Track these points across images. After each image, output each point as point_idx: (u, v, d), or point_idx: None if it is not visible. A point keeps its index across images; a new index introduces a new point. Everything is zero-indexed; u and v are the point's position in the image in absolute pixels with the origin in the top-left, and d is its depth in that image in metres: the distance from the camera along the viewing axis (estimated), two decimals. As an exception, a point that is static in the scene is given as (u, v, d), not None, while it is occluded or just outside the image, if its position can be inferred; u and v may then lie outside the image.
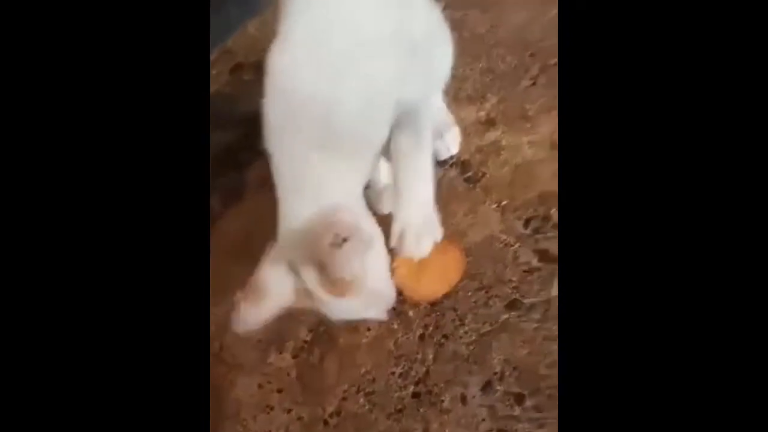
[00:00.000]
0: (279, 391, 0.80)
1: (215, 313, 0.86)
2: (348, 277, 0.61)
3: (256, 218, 1.00)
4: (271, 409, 0.79)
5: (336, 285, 0.62)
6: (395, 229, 0.68)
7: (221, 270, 1.00)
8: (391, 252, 0.68)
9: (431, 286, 0.73)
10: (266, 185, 1.13)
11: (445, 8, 1.10)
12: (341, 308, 0.64)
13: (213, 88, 1.30)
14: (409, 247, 0.67)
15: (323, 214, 0.63)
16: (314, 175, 0.64)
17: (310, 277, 0.63)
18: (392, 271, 0.69)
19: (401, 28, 0.69)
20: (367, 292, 0.63)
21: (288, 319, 0.84)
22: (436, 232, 0.69)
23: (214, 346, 0.89)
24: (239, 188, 1.09)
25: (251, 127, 1.19)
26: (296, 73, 0.63)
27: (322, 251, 0.60)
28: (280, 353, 0.83)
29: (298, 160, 0.65)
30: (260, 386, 0.81)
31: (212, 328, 0.87)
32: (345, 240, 0.60)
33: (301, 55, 0.63)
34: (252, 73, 1.27)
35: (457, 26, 1.03)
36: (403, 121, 0.69)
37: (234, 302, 0.65)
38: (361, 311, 0.65)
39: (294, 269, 0.65)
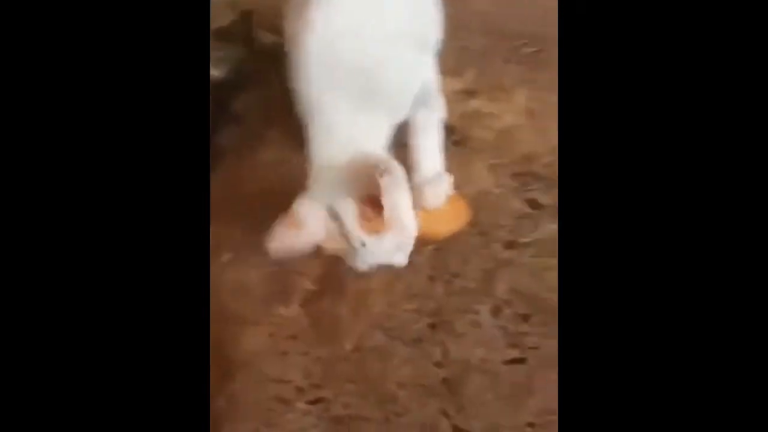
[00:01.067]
0: (293, 337, 0.84)
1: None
2: (388, 210, 0.68)
3: (232, 181, 1.03)
4: (285, 354, 0.83)
5: (375, 220, 0.68)
6: (414, 182, 0.80)
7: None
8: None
9: (447, 226, 0.82)
10: (239, 149, 1.15)
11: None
12: (374, 250, 0.72)
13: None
14: (429, 197, 0.78)
15: (365, 156, 0.71)
16: (349, 125, 0.74)
17: (349, 215, 0.69)
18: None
19: (421, 18, 0.82)
20: (399, 229, 0.70)
21: (286, 274, 0.89)
22: (450, 187, 0.81)
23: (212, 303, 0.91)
24: (214, 153, 1.10)
25: (219, 92, 1.21)
26: (343, 43, 0.73)
27: (368, 184, 0.68)
28: (286, 306, 0.87)
29: (336, 110, 0.74)
30: (271, 335, 0.85)
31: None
32: (385, 174, 0.68)
33: (348, 28, 0.73)
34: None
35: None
36: (420, 99, 0.81)
37: (271, 228, 0.71)
38: (391, 253, 0.73)
39: (332, 210, 0.71)
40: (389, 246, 0.71)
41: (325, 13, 0.73)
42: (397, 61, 0.77)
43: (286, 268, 0.88)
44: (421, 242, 0.83)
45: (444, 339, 0.78)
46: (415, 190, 0.80)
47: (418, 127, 0.83)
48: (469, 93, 1.03)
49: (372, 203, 0.68)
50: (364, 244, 0.71)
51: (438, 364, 0.76)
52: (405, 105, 0.79)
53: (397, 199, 0.70)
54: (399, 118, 0.79)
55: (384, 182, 0.67)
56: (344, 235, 0.71)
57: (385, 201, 0.67)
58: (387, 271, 0.83)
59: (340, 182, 0.71)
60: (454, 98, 1.02)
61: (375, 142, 0.75)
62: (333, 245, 0.73)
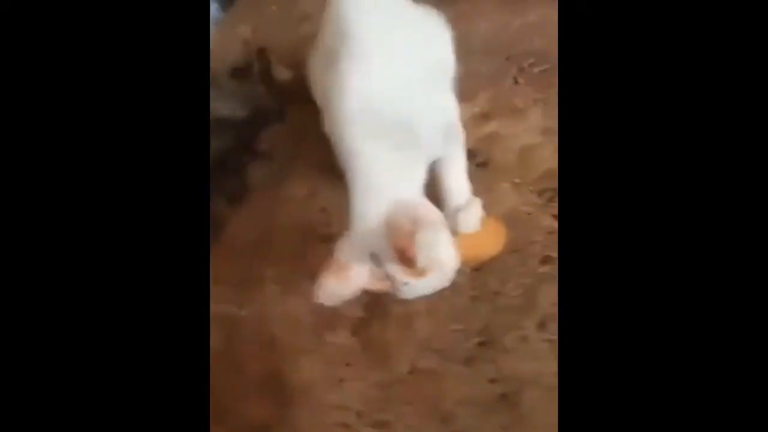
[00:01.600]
0: (347, 364, 0.88)
1: (251, 308, 0.93)
2: (427, 260, 0.72)
3: (266, 216, 1.07)
4: (342, 381, 0.88)
5: (417, 268, 0.73)
6: (448, 213, 0.85)
7: (242, 268, 1.05)
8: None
9: (488, 248, 0.87)
10: (268, 185, 1.19)
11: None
12: (419, 287, 0.76)
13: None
14: (464, 223, 0.83)
15: (400, 207, 0.75)
16: (388, 171, 0.78)
17: (392, 264, 0.74)
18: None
19: (440, 54, 0.87)
20: (439, 269, 0.75)
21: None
22: (480, 209, 0.85)
23: (263, 336, 0.95)
24: (244, 191, 1.14)
25: (243, 131, 1.25)
26: (381, 96, 0.77)
27: (404, 241, 0.72)
28: (337, 333, 0.91)
29: (376, 159, 0.78)
30: (326, 362, 0.89)
31: (256, 321, 0.94)
32: (421, 228, 0.73)
33: (383, 80, 0.78)
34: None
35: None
36: (446, 132, 0.86)
37: (318, 277, 0.74)
38: (436, 286, 0.77)
39: (374, 255, 0.75)
40: (432, 283, 0.76)
41: (359, 65, 0.78)
42: (428, 104, 0.82)
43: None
44: (464, 266, 0.88)
45: (494, 356, 0.83)
46: (450, 219, 0.85)
47: (444, 158, 0.88)
48: (485, 116, 1.08)
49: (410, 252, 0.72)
50: (407, 284, 0.75)
51: (492, 381, 0.81)
52: (439, 144, 0.84)
53: (434, 245, 0.74)
54: (434, 156, 0.84)
55: (421, 239, 0.72)
56: (387, 278, 0.75)
57: (424, 254, 0.71)
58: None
59: (380, 231, 0.75)
60: (471, 123, 1.07)
61: (412, 184, 0.79)
62: (377, 287, 0.77)
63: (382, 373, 0.86)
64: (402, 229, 0.73)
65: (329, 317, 0.92)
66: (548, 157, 0.99)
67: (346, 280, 0.75)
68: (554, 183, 0.96)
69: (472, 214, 0.87)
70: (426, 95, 0.82)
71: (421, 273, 0.73)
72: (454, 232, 0.82)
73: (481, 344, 0.84)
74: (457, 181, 0.90)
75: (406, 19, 0.87)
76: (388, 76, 0.78)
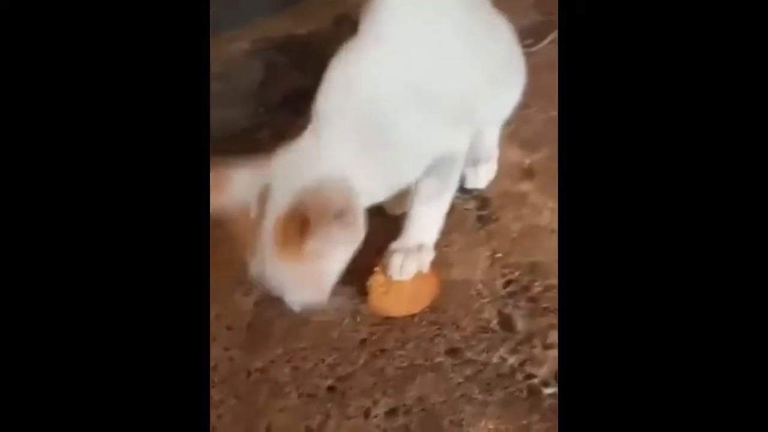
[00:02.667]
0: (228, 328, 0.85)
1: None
2: (312, 244, 0.63)
3: None
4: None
5: (291, 243, 0.63)
6: (391, 247, 0.75)
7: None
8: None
9: (395, 304, 0.76)
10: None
11: (534, 44, 1.08)
12: (272, 269, 0.66)
13: (312, 29, 1.34)
14: (394, 269, 0.73)
15: (345, 186, 0.65)
16: (350, 164, 0.67)
17: (274, 214, 0.64)
18: (369, 278, 0.75)
19: (461, 91, 0.73)
20: (305, 271, 0.65)
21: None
22: (424, 265, 0.74)
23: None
24: (289, 130, 1.13)
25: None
26: (360, 89, 0.68)
27: (320, 210, 0.62)
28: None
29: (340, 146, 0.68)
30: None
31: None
32: (340, 216, 0.63)
33: (369, 79, 0.68)
34: (352, 27, 1.30)
35: (547, 68, 1.00)
36: (435, 166, 0.74)
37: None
38: (285, 286, 0.67)
39: (264, 193, 0.66)
40: (285, 279, 0.66)
41: (348, 60, 0.70)
42: (411, 125, 0.69)
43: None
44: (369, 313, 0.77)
45: (332, 411, 0.72)
46: (386, 256, 0.75)
47: (421, 193, 0.76)
48: (526, 173, 0.91)
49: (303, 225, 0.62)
50: (263, 255, 0.65)
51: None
52: (411, 170, 0.73)
53: (330, 249, 0.65)
54: (401, 181, 0.73)
55: (335, 222, 0.62)
56: (254, 225, 0.66)
57: (317, 236, 0.62)
58: (334, 312, 0.80)
59: (301, 169, 0.65)
60: (508, 172, 0.91)
61: (369, 191, 0.69)
62: (235, 225, 0.67)
63: (250, 356, 0.81)
64: (329, 200, 0.63)
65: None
66: (546, 251, 0.80)
67: (221, 190, 0.66)
68: (530, 280, 0.78)
69: (409, 265, 0.75)
70: (413, 116, 0.69)
71: (288, 250, 0.63)
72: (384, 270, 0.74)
73: (330, 389, 0.74)
74: (420, 222, 0.78)
75: (461, 34, 0.74)
76: (375, 76, 0.69)
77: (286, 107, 1.21)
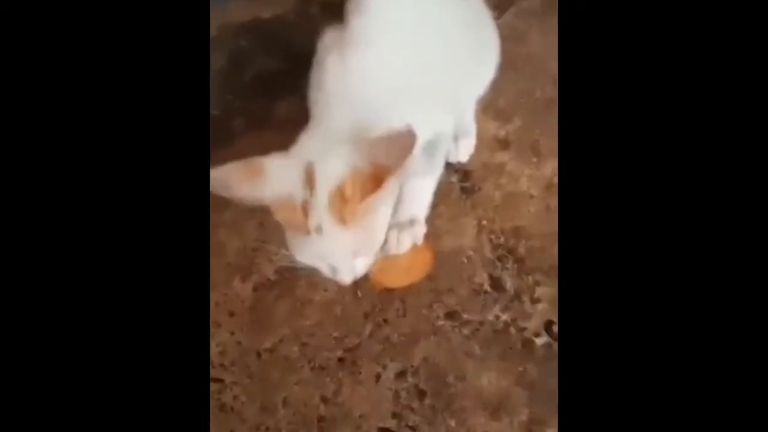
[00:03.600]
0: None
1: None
2: (368, 201, 0.63)
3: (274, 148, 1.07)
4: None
5: (350, 205, 0.63)
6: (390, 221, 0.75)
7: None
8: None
9: (393, 277, 0.80)
10: (293, 120, 1.19)
11: (503, 16, 1.12)
12: (325, 242, 0.65)
13: (278, 11, 1.34)
14: (390, 243, 0.76)
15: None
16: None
17: (328, 184, 0.64)
18: None
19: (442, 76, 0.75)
20: (364, 234, 0.66)
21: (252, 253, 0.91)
22: (418, 238, 0.78)
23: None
24: (266, 116, 1.15)
25: (299, 62, 1.24)
26: (365, 70, 0.69)
27: (398, 155, 0.61)
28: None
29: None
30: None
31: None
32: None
33: (370, 60, 0.70)
34: (318, 8, 1.31)
35: (518, 39, 1.05)
36: (425, 149, 0.75)
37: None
38: (343, 255, 0.67)
39: (310, 168, 0.64)
40: (342, 246, 0.65)
41: (358, 46, 0.71)
42: (397, 113, 0.69)
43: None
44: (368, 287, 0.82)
45: (343, 378, 0.77)
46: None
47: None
48: (502, 144, 0.96)
49: (369, 181, 0.62)
50: (320, 230, 0.64)
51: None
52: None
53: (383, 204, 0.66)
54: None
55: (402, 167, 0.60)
56: (305, 205, 0.64)
57: (390, 179, 0.61)
58: (336, 288, 0.84)
59: (341, 141, 0.65)
60: (486, 144, 0.96)
61: None
62: (283, 212, 0.65)
63: (252, 336, 0.85)
64: (390, 142, 0.62)
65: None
66: (528, 215, 0.86)
67: (257, 181, 0.64)
68: (515, 243, 0.84)
69: (405, 238, 0.79)
70: (399, 103, 0.70)
71: (352, 217, 0.62)
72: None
73: (340, 360, 0.79)
74: (412, 197, 0.80)
75: (440, 14, 0.76)
76: (366, 61, 0.70)
77: (255, 93, 1.22)
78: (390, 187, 0.64)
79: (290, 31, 1.34)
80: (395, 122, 0.68)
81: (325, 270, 0.69)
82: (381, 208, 0.68)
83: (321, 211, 0.64)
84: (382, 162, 0.62)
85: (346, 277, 0.69)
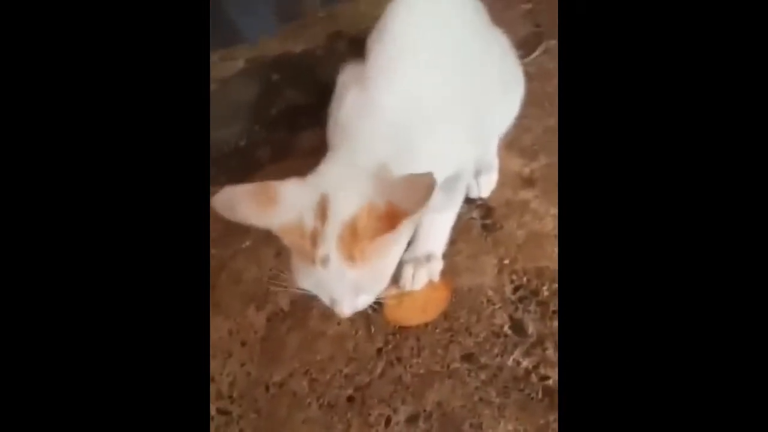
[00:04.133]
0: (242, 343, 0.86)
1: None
2: (380, 241, 0.61)
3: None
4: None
5: (360, 244, 0.61)
6: (401, 259, 0.72)
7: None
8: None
9: (407, 314, 0.77)
10: (316, 151, 1.19)
11: (531, 55, 1.12)
12: (336, 273, 0.62)
13: (306, 47, 1.37)
14: (405, 279, 0.74)
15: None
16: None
17: (341, 216, 0.62)
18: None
19: (474, 104, 0.74)
20: (372, 269, 0.63)
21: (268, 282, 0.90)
22: (434, 274, 0.76)
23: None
24: (288, 147, 1.16)
25: (325, 95, 1.26)
26: (391, 102, 0.68)
27: (414, 200, 0.59)
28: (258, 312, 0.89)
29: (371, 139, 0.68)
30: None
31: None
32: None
33: (389, 93, 0.68)
34: (345, 43, 1.33)
35: (545, 78, 1.04)
36: (448, 180, 0.74)
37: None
38: (348, 288, 0.64)
39: (325, 199, 0.63)
40: (346, 282, 0.63)
41: (379, 78, 0.70)
42: (430, 148, 0.69)
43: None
44: (382, 323, 0.79)
45: (354, 421, 0.74)
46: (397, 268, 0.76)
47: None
48: (526, 182, 0.94)
49: (383, 219, 0.60)
50: (326, 262, 0.62)
51: None
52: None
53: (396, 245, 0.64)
54: None
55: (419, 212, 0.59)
56: (315, 234, 0.62)
57: (405, 222, 0.59)
58: (350, 322, 0.81)
59: (359, 175, 0.63)
60: (509, 181, 0.94)
61: None
62: (290, 237, 0.63)
63: (264, 370, 0.83)
64: (408, 185, 0.60)
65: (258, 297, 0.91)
66: (551, 255, 0.83)
67: (269, 208, 0.62)
68: (538, 284, 0.80)
69: (421, 274, 0.77)
70: (435, 138, 0.69)
71: (357, 251, 0.60)
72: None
73: (349, 399, 0.76)
74: (430, 232, 0.80)
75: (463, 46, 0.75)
76: (409, 86, 0.69)
77: (281, 124, 1.23)
78: (404, 229, 0.62)
79: (318, 64, 1.36)
80: (414, 156, 0.67)
81: (325, 299, 0.67)
82: (392, 249, 0.65)
83: (330, 243, 0.62)
84: (400, 204, 0.61)
85: (346, 311, 0.67)
